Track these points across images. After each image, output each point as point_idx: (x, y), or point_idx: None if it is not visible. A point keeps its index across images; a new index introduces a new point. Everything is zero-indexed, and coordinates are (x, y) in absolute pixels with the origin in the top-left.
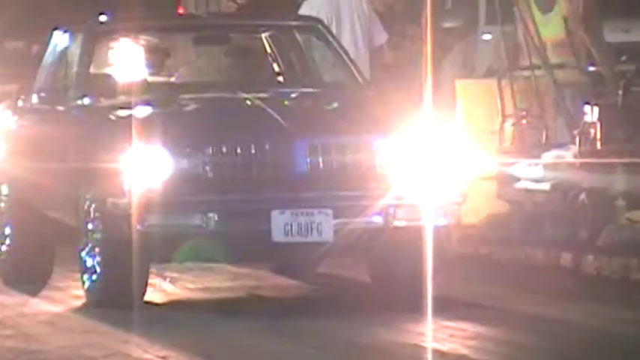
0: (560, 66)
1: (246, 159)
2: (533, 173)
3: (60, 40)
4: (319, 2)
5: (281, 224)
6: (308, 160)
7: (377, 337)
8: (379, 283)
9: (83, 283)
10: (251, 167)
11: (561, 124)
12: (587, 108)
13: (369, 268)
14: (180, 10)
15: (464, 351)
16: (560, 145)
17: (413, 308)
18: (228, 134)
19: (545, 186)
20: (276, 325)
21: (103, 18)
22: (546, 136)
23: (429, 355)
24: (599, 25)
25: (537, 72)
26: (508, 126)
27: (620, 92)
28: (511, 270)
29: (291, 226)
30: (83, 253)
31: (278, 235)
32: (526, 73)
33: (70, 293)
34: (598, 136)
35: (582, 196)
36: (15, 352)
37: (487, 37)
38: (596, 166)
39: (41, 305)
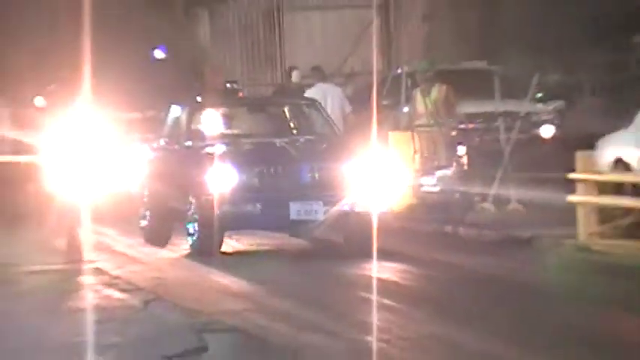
0: (442, 124)
1: (275, 174)
2: (431, 182)
3: (175, 110)
4: (314, 92)
5: (294, 210)
6: (309, 175)
7: (344, 270)
8: (348, 242)
9: (188, 241)
10: (278, 179)
11: (445, 156)
12: (459, 147)
13: (342, 234)
14: (240, 94)
15: (394, 278)
16: (444, 167)
17: (366, 255)
18: (265, 160)
19: (437, 189)
20: (291, 263)
21: (198, 98)
22: (437, 163)
23: (374, 280)
24: (455, 103)
25: (430, 128)
26: (417, 157)
27: (477, 139)
28: (421, 235)
29: (300, 211)
30: (188, 226)
31: (293, 215)
32: (424, 128)
33: (180, 247)
34: (465, 162)
35: (457, 195)
36: (150, 276)
37: (405, 109)
38: (464, 179)
39: (164, 253)
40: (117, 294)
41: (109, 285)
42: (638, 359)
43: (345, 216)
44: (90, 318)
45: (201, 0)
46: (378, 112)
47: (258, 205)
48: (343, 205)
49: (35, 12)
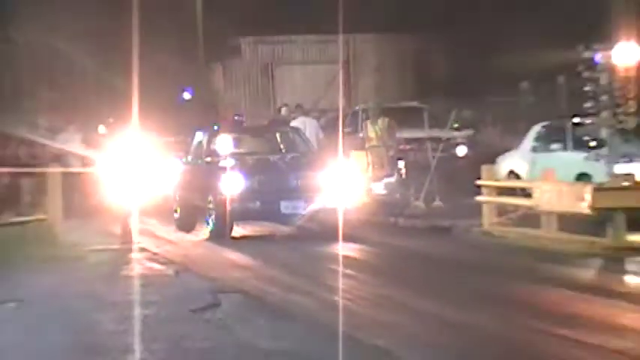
0: (387, 146)
1: (270, 181)
2: (379, 187)
3: (198, 135)
4: (298, 122)
5: (284, 206)
6: (294, 182)
7: (318, 249)
8: (322, 229)
9: (207, 229)
10: (272, 184)
11: (389, 168)
12: (399, 162)
13: (318, 223)
14: (244, 124)
15: (354, 255)
16: (389, 176)
17: (334, 239)
18: (263, 171)
19: (384, 192)
20: (281, 244)
21: (215, 127)
22: (384, 173)
23: (339, 256)
24: (395, 130)
25: (378, 148)
26: (369, 169)
27: (412, 156)
28: (373, 225)
29: (288, 206)
30: (207, 218)
31: (283, 210)
32: (374, 148)
33: (202, 233)
34: (403, 173)
35: (397, 196)
36: (180, 254)
37: (360, 135)
38: (402, 184)
39: (190, 237)
40: (156, 266)
41: (151, 259)
42: (519, 306)
43: (319, 210)
44: (137, 282)
45: (216, 57)
46: (342, 137)
47: (258, 203)
48: (318, 203)
49: (97, 61)
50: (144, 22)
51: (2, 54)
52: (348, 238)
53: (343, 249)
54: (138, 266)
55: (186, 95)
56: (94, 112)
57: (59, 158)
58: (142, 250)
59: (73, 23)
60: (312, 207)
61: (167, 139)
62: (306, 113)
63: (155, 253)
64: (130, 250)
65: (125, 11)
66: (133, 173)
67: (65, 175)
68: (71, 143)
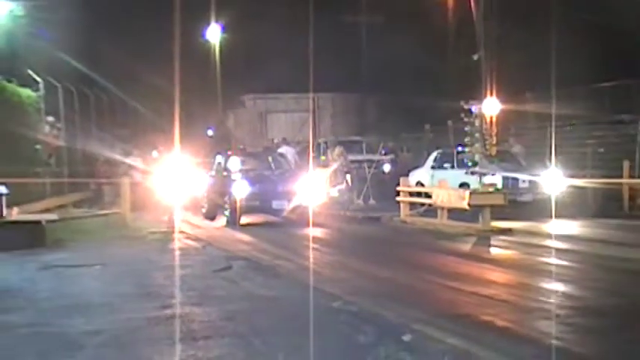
0: (339, 165)
1: (266, 187)
2: (334, 192)
3: (218, 158)
4: (283, 150)
5: (274, 204)
6: (281, 188)
7: (297, 231)
8: (299, 219)
9: (224, 219)
10: (267, 190)
11: (341, 180)
12: (347, 176)
13: (295, 217)
14: (247, 150)
15: (319, 235)
16: (340, 184)
17: (306, 225)
18: (261, 182)
19: (337, 195)
20: (272, 228)
21: (228, 152)
22: (337, 183)
23: (310, 238)
24: (345, 155)
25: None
26: (328, 180)
27: (355, 172)
28: (330, 216)
29: (277, 204)
30: (225, 211)
31: (274, 207)
32: (331, 167)
33: (221, 222)
34: (350, 182)
35: (346, 197)
36: (206, 235)
37: (322, 158)
38: (349, 190)
39: (212, 224)
40: (190, 242)
41: (187, 238)
42: (423, 267)
43: (297, 207)
44: (178, 253)
45: (229, 107)
46: (312, 159)
47: (258, 202)
48: (296, 202)
49: (152, 109)
50: (184, 84)
51: (92, 104)
52: (315, 225)
53: (312, 231)
54: (178, 242)
55: (210, 132)
56: (150, 142)
57: (128, 172)
58: (181, 232)
59: (134, 84)
60: (292, 204)
61: (198, 160)
62: (287, 144)
63: (190, 234)
64: (173, 232)
65: (171, 76)
66: (175, 182)
67: (132, 183)
68: (135, 163)
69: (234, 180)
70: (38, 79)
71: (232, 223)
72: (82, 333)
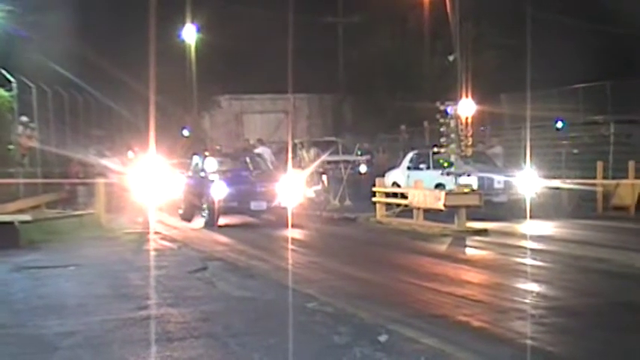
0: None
1: (245, 189)
2: (311, 192)
3: (195, 158)
4: (260, 150)
5: (253, 205)
6: (258, 189)
7: (274, 232)
8: (277, 220)
9: (202, 220)
10: (245, 190)
11: (317, 180)
12: (323, 176)
13: (274, 216)
14: (224, 151)
15: (297, 236)
16: (317, 185)
17: (284, 226)
18: (239, 182)
19: (314, 195)
20: (250, 229)
21: (206, 153)
22: (314, 183)
23: (287, 239)
24: (320, 156)
25: (310, 167)
26: (305, 181)
27: (331, 172)
28: (307, 216)
29: (255, 205)
30: (202, 212)
31: (252, 207)
32: (307, 168)
33: (198, 223)
34: (326, 183)
35: (322, 198)
36: (182, 235)
37: (298, 158)
38: (325, 191)
39: (189, 225)
40: (166, 243)
41: (162, 239)
42: (399, 267)
43: (275, 207)
44: (153, 253)
45: (205, 108)
46: (288, 160)
47: (236, 203)
48: (274, 203)
49: (128, 110)
50: (159, 85)
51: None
52: (293, 226)
53: (290, 232)
54: (153, 243)
55: (186, 132)
56: (125, 143)
57: (103, 173)
58: (157, 233)
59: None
60: (270, 205)
61: (173, 161)
62: (263, 144)
63: (165, 235)
64: (148, 233)
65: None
66: (150, 183)
67: (106, 184)
68: (109, 164)
69: (212, 181)
70: (11, 79)
71: (210, 224)
72: (57, 334)
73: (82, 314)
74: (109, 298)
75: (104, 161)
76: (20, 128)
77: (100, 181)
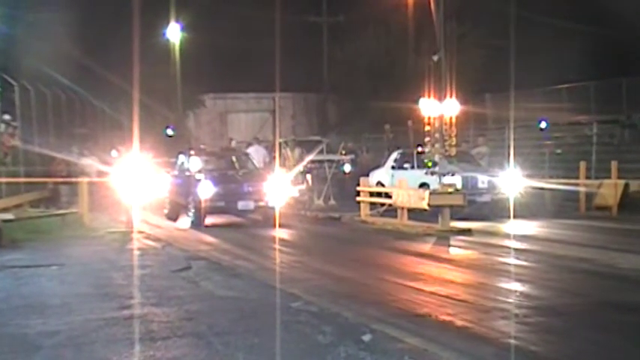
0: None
1: (232, 189)
2: (296, 192)
3: (180, 157)
4: (252, 149)
5: (240, 204)
6: (246, 188)
7: (261, 232)
8: (264, 220)
9: (188, 219)
10: (232, 190)
11: (302, 179)
12: (308, 175)
13: (261, 216)
14: (208, 150)
15: (284, 236)
16: (302, 184)
17: (271, 226)
18: (226, 181)
19: (298, 195)
20: (236, 229)
21: (191, 152)
22: (299, 183)
23: (276, 237)
24: (305, 155)
25: (295, 167)
26: (290, 180)
27: (316, 172)
28: (293, 216)
29: (243, 205)
30: (188, 212)
31: (239, 207)
32: (293, 167)
33: (183, 222)
34: (310, 182)
35: (307, 197)
36: (167, 235)
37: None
38: (310, 190)
39: (174, 225)
40: (150, 242)
41: (147, 238)
42: (383, 267)
43: (262, 207)
44: (137, 253)
45: (189, 107)
46: (273, 160)
47: (223, 202)
48: (262, 202)
49: (112, 108)
50: (143, 83)
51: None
52: (280, 225)
53: (277, 232)
54: (137, 243)
55: (170, 131)
56: (109, 141)
57: (86, 172)
58: (140, 232)
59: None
60: (258, 205)
61: (159, 159)
62: (259, 143)
63: (149, 234)
64: (132, 232)
65: (130, 75)
66: (134, 182)
67: (90, 183)
68: (93, 162)
69: (198, 180)
70: None
71: (197, 224)
72: (39, 334)
73: (64, 314)
74: (92, 298)
75: (84, 161)
76: (2, 126)
77: (84, 180)
